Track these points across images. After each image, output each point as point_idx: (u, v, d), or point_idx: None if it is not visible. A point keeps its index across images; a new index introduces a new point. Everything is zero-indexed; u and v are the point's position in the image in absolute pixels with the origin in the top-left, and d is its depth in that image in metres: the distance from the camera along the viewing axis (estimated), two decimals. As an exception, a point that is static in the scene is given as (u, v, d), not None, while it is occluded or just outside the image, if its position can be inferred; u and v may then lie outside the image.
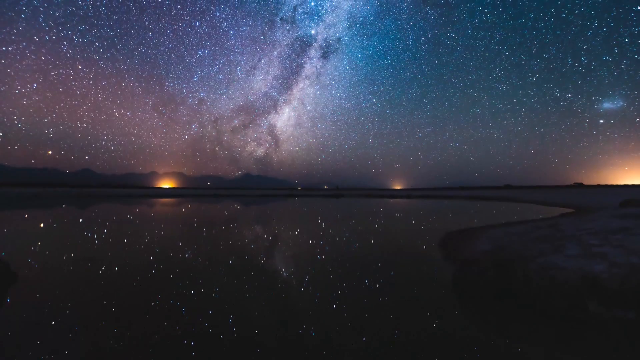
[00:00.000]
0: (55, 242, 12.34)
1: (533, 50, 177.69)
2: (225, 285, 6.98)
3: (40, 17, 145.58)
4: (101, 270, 8.18)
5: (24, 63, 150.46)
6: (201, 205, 39.75)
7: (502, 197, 67.18)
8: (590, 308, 5.57)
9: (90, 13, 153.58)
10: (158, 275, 7.74)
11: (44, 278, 7.40)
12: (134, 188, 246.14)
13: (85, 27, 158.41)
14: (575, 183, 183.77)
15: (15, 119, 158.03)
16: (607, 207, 23.27)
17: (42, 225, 17.86)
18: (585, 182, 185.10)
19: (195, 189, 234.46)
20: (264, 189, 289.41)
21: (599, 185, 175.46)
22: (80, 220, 21.06)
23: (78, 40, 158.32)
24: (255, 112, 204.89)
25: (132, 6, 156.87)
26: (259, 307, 5.70)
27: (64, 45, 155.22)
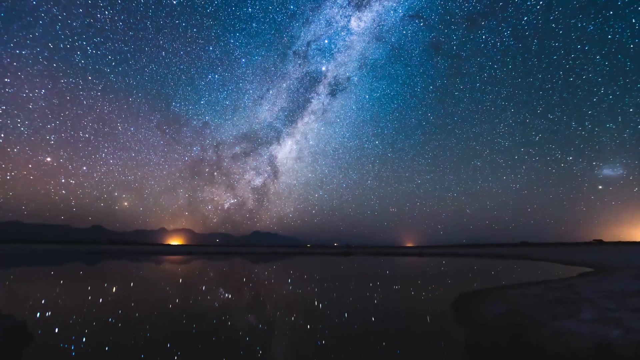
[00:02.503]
0: (65, 301, 12.46)
1: (538, 110, 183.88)
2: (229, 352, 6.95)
3: (58, 25, 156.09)
4: (108, 330, 8.23)
5: (35, 68, 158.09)
6: (208, 264, 39.43)
7: (519, 255, 64.87)
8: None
9: (107, 27, 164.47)
10: (160, 337, 7.75)
11: (56, 339, 7.50)
12: (143, 245, 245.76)
13: (100, 39, 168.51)
14: (594, 240, 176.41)
15: (19, 122, 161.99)
16: (627, 266, 22.42)
17: (51, 283, 18.04)
18: (605, 239, 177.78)
19: (204, 246, 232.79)
20: (273, 246, 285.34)
21: (619, 243, 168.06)
22: (90, 281, 21.16)
23: (92, 51, 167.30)
24: (257, 141, 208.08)
25: (149, 24, 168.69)
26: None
27: (77, 55, 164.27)
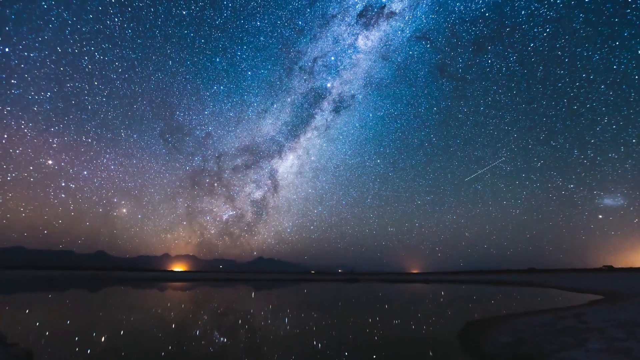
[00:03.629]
0: (71, 329, 12.46)
1: (541, 136, 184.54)
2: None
3: (67, 29, 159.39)
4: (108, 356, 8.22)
5: (42, 71, 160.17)
6: (211, 291, 38.97)
7: (527, 282, 63.26)
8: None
9: (116, 33, 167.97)
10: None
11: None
12: (146, 271, 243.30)
13: (108, 45, 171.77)
14: (604, 266, 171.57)
15: (23, 124, 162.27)
16: (638, 294, 21.90)
17: (56, 311, 18.00)
18: (616, 265, 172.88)
19: (207, 272, 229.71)
20: (277, 272, 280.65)
21: (630, 269, 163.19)
22: (92, 305, 21.06)
23: (99, 57, 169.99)
24: (259, 154, 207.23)
25: (158, 33, 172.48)
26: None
27: (85, 60, 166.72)
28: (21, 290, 34.98)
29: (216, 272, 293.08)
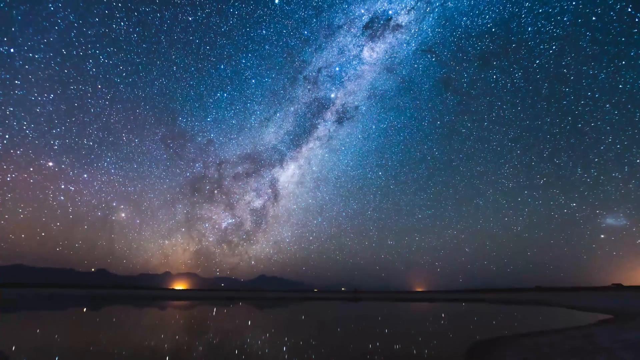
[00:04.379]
0: (74, 349, 12.44)
1: (545, 153, 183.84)
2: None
3: (73, 32, 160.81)
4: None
5: (46, 72, 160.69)
6: (213, 310, 38.51)
7: (534, 300, 61.98)
8: None
9: (122, 37, 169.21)
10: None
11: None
12: (147, 289, 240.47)
13: (113, 49, 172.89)
14: (613, 284, 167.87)
15: (25, 125, 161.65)
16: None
17: (58, 330, 17.93)
18: (625, 283, 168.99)
19: (209, 291, 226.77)
20: (279, 290, 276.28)
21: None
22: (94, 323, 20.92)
23: (104, 60, 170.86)
24: (260, 162, 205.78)
25: (163, 38, 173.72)
26: None
27: (89, 63, 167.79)
28: (22, 308, 34.81)
29: (218, 290, 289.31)
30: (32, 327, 19.21)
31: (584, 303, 45.30)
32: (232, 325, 21.86)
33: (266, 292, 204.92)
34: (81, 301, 53.65)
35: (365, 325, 22.34)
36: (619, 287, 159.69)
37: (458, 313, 35.28)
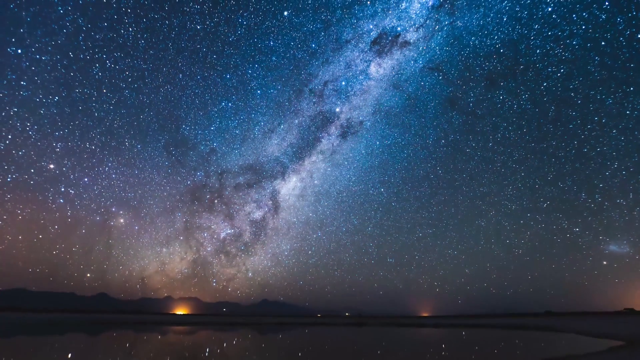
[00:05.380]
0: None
1: (549, 176, 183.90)
2: None
3: (81, 36, 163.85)
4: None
5: (52, 75, 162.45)
6: (214, 335, 38.03)
7: (543, 326, 60.42)
8: None
9: (129, 43, 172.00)
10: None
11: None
12: (148, 314, 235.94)
13: (120, 54, 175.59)
14: (625, 309, 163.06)
15: (28, 126, 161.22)
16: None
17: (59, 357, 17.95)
18: (637, 308, 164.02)
19: (210, 316, 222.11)
20: (281, 316, 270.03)
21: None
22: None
23: (110, 65, 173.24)
24: (262, 174, 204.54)
25: (171, 46, 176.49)
26: None
27: (96, 67, 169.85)
28: (22, 333, 34.64)
29: (220, 315, 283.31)
30: (35, 352, 19.22)
31: (594, 329, 44.24)
32: (237, 352, 21.68)
33: (269, 317, 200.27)
34: (82, 327, 53.02)
35: (373, 352, 22.09)
36: (631, 311, 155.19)
37: (465, 339, 34.67)
